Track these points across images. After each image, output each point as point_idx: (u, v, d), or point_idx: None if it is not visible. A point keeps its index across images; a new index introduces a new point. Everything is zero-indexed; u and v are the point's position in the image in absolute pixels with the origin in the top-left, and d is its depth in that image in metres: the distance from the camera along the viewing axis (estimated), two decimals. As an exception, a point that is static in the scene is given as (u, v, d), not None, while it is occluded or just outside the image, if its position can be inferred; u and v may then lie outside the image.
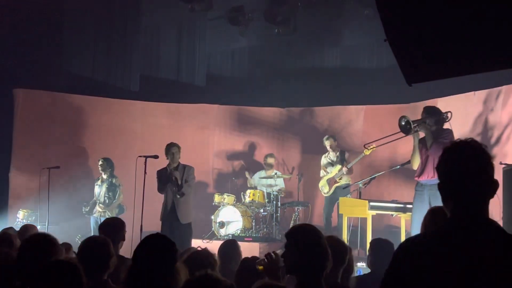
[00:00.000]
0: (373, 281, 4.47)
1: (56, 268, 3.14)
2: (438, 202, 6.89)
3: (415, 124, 7.28)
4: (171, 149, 8.45)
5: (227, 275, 4.34)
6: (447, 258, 2.00)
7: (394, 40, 3.90)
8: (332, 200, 9.67)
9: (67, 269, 3.11)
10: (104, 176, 9.72)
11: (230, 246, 5.30)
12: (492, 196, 2.07)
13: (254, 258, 4.03)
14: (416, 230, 6.80)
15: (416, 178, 7.32)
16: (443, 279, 1.97)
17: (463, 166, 2.08)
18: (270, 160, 10.59)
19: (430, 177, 7.16)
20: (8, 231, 5.84)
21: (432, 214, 3.70)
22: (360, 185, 8.17)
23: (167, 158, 8.51)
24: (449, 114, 7.38)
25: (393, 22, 3.90)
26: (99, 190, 9.74)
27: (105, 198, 9.63)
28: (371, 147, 8.91)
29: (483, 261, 1.96)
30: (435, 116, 7.29)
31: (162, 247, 3.21)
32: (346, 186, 9.19)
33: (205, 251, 4.07)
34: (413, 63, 4.05)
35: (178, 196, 8.29)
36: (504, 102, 9.05)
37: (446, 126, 7.38)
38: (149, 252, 3.17)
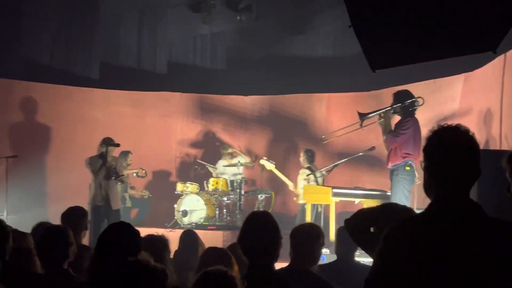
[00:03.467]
0: (339, 268, 4.51)
1: None
2: (394, 186, 7.10)
3: (372, 115, 7.67)
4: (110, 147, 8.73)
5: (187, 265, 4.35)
6: (434, 240, 2.04)
7: (359, 26, 3.92)
8: None
9: None
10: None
11: (189, 237, 5.27)
12: (473, 183, 2.13)
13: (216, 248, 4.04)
14: None
15: None
16: (427, 260, 2.01)
17: (453, 150, 2.12)
18: (224, 151, 10.56)
19: (388, 165, 7.52)
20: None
21: (383, 211, 3.65)
22: (324, 172, 8.22)
23: (102, 148, 8.70)
24: (419, 100, 7.54)
25: (358, 8, 3.92)
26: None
27: None
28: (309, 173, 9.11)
29: (466, 243, 2.01)
30: (401, 103, 7.46)
31: (126, 236, 3.17)
32: (309, 174, 9.23)
33: (158, 236, 4.07)
34: (377, 50, 4.08)
35: (120, 183, 8.89)
36: (463, 90, 9.21)
37: (420, 112, 7.60)
38: (113, 241, 3.14)
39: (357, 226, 2.91)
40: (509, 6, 3.52)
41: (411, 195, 7.30)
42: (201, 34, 12.45)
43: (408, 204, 6.98)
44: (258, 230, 3.12)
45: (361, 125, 7.78)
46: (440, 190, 2.13)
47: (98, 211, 8.39)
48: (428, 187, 2.19)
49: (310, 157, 9.58)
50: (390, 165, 7.45)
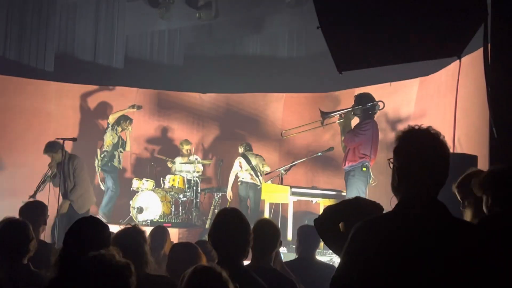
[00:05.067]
0: (301, 266, 4.56)
1: None
2: (349, 187, 7.17)
3: (334, 114, 7.78)
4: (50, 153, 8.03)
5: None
6: (400, 238, 2.10)
7: (327, 28, 3.97)
8: None
9: None
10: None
11: (160, 233, 5.21)
12: (441, 186, 2.18)
13: (186, 244, 4.00)
14: None
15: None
16: (395, 259, 2.07)
17: (424, 153, 2.18)
18: (185, 147, 10.51)
19: (344, 165, 7.61)
20: None
21: (352, 206, 3.63)
22: (282, 171, 8.27)
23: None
24: (380, 104, 7.68)
25: (327, 10, 3.96)
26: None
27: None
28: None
29: (432, 243, 2.08)
30: (362, 105, 7.58)
31: (94, 230, 3.13)
32: (268, 173, 9.29)
33: (134, 228, 3.94)
34: (344, 52, 4.14)
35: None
36: (418, 93, 9.41)
37: (376, 115, 7.73)
38: (81, 236, 3.09)
39: (326, 224, 2.95)
40: (474, 14, 3.63)
41: (365, 195, 7.41)
42: (159, 30, 12.34)
43: None
44: (231, 227, 3.13)
45: (322, 123, 7.89)
46: (408, 191, 2.19)
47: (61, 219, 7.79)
48: (396, 187, 2.25)
49: (247, 146, 10.02)
50: (346, 165, 7.52)
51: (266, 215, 8.01)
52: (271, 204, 8.28)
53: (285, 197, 7.69)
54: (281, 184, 8.12)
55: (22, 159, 9.96)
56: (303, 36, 11.65)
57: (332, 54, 4.11)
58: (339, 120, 7.78)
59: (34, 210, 4.85)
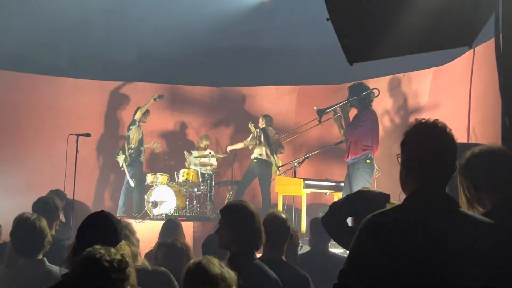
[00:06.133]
0: (314, 258, 4.56)
1: None
2: (355, 180, 7.10)
3: (330, 110, 7.71)
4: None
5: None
6: (409, 231, 2.10)
7: (337, 19, 3.93)
8: None
9: None
10: None
11: (172, 226, 5.24)
12: (449, 179, 2.18)
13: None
14: None
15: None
16: (405, 252, 2.06)
17: (431, 146, 2.17)
18: (205, 142, 10.57)
19: (347, 158, 7.55)
20: None
21: (359, 198, 3.59)
22: (295, 164, 8.27)
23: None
24: (375, 91, 7.62)
25: (336, 2, 3.92)
26: None
27: None
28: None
29: (442, 236, 2.07)
30: (357, 95, 7.51)
31: (106, 225, 3.13)
32: (281, 166, 9.29)
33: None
34: (354, 43, 4.10)
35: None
36: (432, 83, 9.34)
37: (373, 104, 7.67)
38: (93, 231, 3.10)
39: (333, 221, 2.94)
40: (484, 3, 3.58)
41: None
42: (172, 23, 12.34)
43: None
44: (239, 221, 3.12)
45: (319, 121, 7.84)
46: (416, 185, 2.19)
47: None
48: (405, 181, 2.24)
49: (268, 121, 10.04)
50: (349, 158, 7.48)
51: (280, 208, 8.01)
52: (284, 196, 8.28)
53: (299, 189, 7.69)
54: (295, 176, 8.12)
55: (37, 155, 10.04)
56: (316, 28, 11.57)
57: (343, 45, 4.06)
58: (333, 116, 7.73)
59: (48, 205, 4.87)
